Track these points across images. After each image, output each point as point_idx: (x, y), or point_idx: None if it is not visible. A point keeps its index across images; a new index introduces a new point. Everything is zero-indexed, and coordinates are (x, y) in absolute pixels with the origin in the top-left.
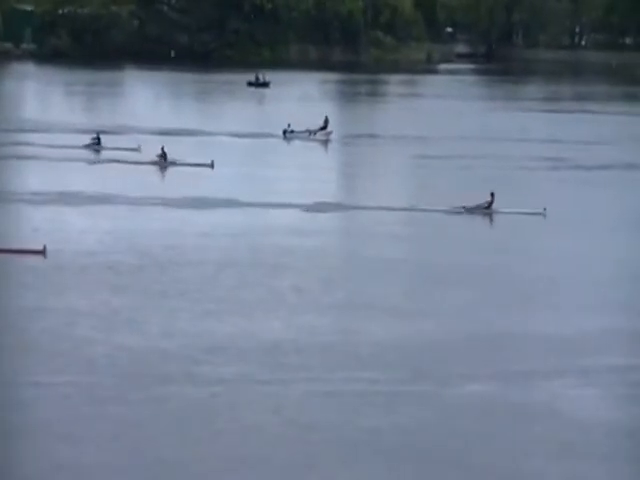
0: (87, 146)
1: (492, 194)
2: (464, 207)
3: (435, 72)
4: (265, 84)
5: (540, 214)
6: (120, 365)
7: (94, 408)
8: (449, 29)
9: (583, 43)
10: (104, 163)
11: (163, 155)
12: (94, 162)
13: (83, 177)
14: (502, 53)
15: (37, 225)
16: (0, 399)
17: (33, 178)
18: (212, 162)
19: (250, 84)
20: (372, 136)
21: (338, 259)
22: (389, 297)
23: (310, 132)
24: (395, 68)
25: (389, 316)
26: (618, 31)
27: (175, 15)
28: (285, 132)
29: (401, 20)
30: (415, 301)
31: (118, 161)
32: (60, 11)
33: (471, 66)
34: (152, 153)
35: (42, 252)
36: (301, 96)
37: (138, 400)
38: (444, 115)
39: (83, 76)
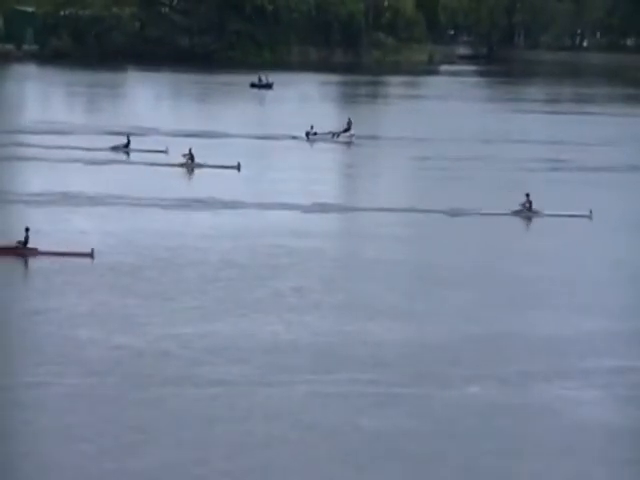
0: (116, 148)
1: (527, 195)
2: (513, 210)
3: (436, 73)
4: (268, 85)
5: (586, 216)
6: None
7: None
8: (451, 31)
9: (584, 44)
10: (133, 165)
11: (191, 157)
12: (124, 164)
13: (115, 179)
14: (503, 54)
15: (76, 227)
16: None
17: (64, 180)
18: (239, 164)
19: (253, 85)
20: (374, 138)
21: (348, 260)
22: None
23: (333, 134)
24: (396, 69)
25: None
26: (619, 33)
27: (176, 17)
28: (308, 134)
29: (402, 21)
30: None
31: (148, 163)
32: (62, 12)
33: (472, 67)
34: (180, 155)
35: (90, 255)
36: (305, 97)
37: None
38: (446, 117)
39: (85, 77)
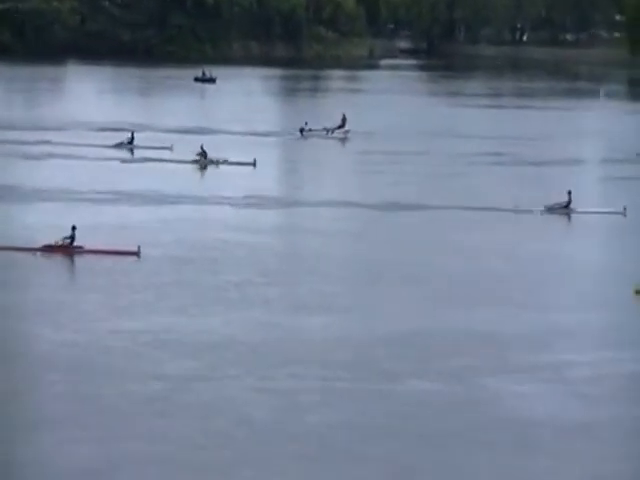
0: (119, 145)
1: (569, 192)
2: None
3: (377, 68)
4: (212, 80)
5: (620, 213)
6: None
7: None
8: (391, 25)
9: (524, 39)
10: (140, 162)
11: (203, 154)
12: (129, 161)
13: (118, 176)
14: (444, 49)
15: (118, 224)
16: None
17: (84, 177)
18: (255, 161)
19: (197, 80)
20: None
21: (288, 255)
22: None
23: (327, 130)
24: (337, 64)
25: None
26: (559, 27)
27: (117, 11)
28: (302, 130)
29: (343, 15)
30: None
31: (156, 160)
32: (1, 6)
33: (413, 62)
34: (185, 152)
35: (136, 253)
36: (248, 91)
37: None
38: (387, 111)
39: (25, 72)
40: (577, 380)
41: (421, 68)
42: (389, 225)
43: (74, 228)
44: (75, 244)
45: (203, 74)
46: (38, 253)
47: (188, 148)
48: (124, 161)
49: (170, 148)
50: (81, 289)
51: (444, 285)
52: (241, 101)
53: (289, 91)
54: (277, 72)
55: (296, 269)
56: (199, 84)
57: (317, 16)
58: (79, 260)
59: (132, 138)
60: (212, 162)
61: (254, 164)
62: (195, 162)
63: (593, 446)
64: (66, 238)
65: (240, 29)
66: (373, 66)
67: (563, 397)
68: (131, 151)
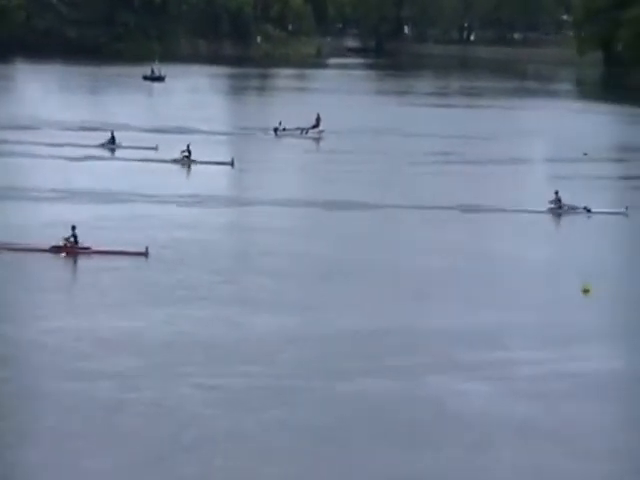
0: (102, 145)
1: (556, 192)
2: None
3: (325, 66)
4: (160, 78)
5: (622, 214)
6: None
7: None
8: (339, 24)
9: (472, 38)
10: (126, 162)
11: (188, 154)
12: (110, 160)
13: (98, 176)
14: (392, 47)
15: (123, 225)
16: None
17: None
18: (232, 160)
19: (146, 78)
20: (266, 130)
21: (240, 254)
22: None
23: (302, 130)
24: (285, 62)
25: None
26: (506, 26)
27: (64, 8)
28: (276, 130)
29: (291, 14)
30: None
31: (138, 160)
32: None
33: (361, 60)
34: (170, 152)
35: (144, 254)
36: (198, 90)
37: None
38: (335, 110)
39: None
40: (524, 378)
41: (369, 67)
42: (340, 223)
43: (74, 228)
44: (83, 245)
45: (152, 72)
46: (46, 254)
47: (167, 148)
48: (103, 159)
49: (155, 148)
50: (83, 289)
51: (395, 283)
52: (192, 100)
53: (239, 90)
54: (226, 70)
55: (247, 267)
56: (148, 82)
57: (265, 14)
58: (86, 261)
59: (113, 138)
60: (194, 162)
61: (232, 164)
62: (178, 162)
63: (538, 443)
64: (68, 238)
65: (188, 27)
66: (321, 65)
67: (509, 395)
68: (112, 151)
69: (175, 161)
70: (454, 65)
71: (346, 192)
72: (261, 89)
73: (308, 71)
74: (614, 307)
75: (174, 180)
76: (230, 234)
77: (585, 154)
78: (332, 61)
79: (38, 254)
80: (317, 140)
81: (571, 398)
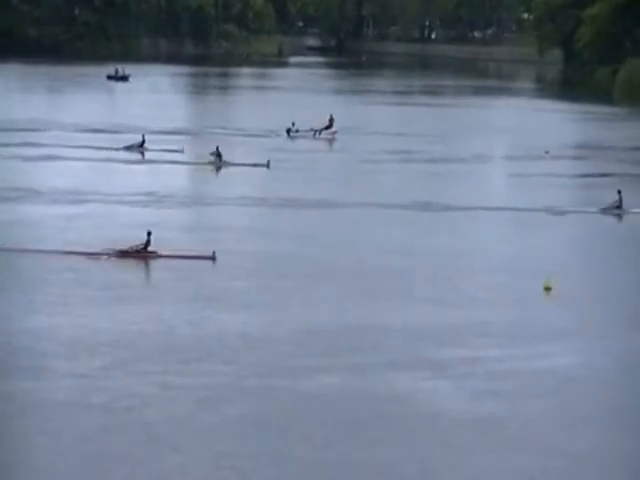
0: (129, 147)
1: (619, 192)
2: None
3: (286, 65)
4: (125, 77)
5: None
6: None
7: None
8: (300, 22)
9: (433, 36)
10: (151, 164)
11: (218, 155)
12: (140, 163)
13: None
14: (353, 46)
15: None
16: None
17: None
18: (268, 162)
19: (110, 77)
20: (224, 128)
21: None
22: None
23: (315, 131)
24: (247, 61)
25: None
26: (467, 25)
27: (24, 7)
28: (289, 131)
29: (252, 13)
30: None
31: (166, 162)
32: None
33: (322, 59)
34: (198, 153)
35: (212, 257)
36: (163, 89)
37: None
38: (296, 109)
39: None
40: (483, 376)
41: (330, 65)
42: (298, 223)
43: (149, 234)
44: (149, 249)
45: (116, 72)
46: (112, 258)
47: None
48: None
49: (181, 151)
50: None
51: (355, 281)
52: (160, 99)
53: (200, 88)
54: (187, 69)
55: (205, 266)
56: (112, 82)
57: (226, 13)
58: (154, 265)
59: (143, 141)
60: (227, 163)
61: (268, 165)
62: (210, 163)
63: (500, 441)
64: (141, 245)
65: (148, 26)
66: (282, 64)
67: (470, 393)
68: (142, 154)
69: (208, 163)
70: (415, 63)
71: (305, 191)
72: (221, 88)
73: (268, 70)
74: (575, 305)
75: (214, 183)
76: (191, 233)
77: (547, 152)
78: (293, 60)
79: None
80: (330, 142)
81: (531, 396)
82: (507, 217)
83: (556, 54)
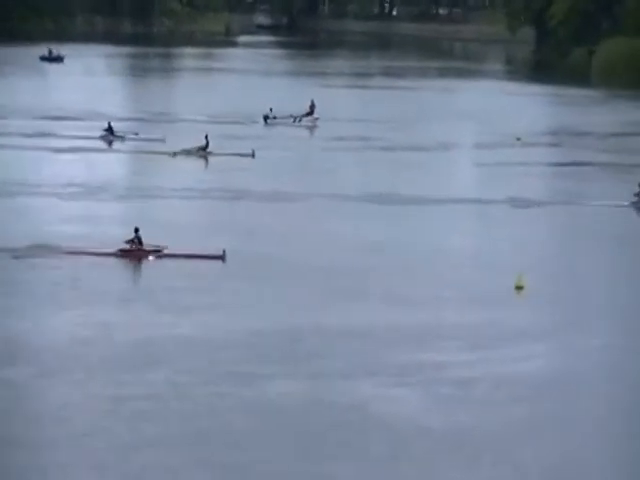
0: (101, 137)
1: None
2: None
3: (234, 45)
4: (59, 58)
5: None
6: None
7: None
8: None
9: (394, 13)
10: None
11: (206, 144)
12: (116, 152)
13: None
14: (307, 24)
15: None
16: None
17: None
18: (253, 152)
19: (43, 59)
20: (167, 115)
21: None
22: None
23: (294, 118)
24: (191, 40)
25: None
26: (431, 1)
27: None
28: (266, 118)
29: None
30: None
31: (145, 152)
32: None
33: (273, 38)
34: (177, 143)
35: (221, 257)
36: (100, 71)
37: None
38: (244, 92)
39: None
40: (449, 382)
41: (282, 45)
42: (245, 216)
43: (137, 230)
44: (155, 246)
45: (50, 52)
46: (114, 257)
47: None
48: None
49: (163, 140)
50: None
51: (311, 280)
52: (99, 82)
53: (140, 70)
54: (127, 50)
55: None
56: (46, 63)
57: None
58: (160, 264)
59: (110, 128)
60: (211, 153)
61: (253, 155)
62: (193, 152)
63: (466, 453)
64: (129, 241)
65: (84, 3)
66: (230, 43)
67: (433, 400)
68: (110, 143)
69: (188, 152)
70: (375, 43)
71: (257, 182)
72: (163, 70)
73: (215, 50)
74: (549, 304)
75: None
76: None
77: (518, 139)
78: (242, 39)
79: (104, 258)
80: (311, 129)
81: (500, 404)
82: (475, 210)
83: (528, 33)
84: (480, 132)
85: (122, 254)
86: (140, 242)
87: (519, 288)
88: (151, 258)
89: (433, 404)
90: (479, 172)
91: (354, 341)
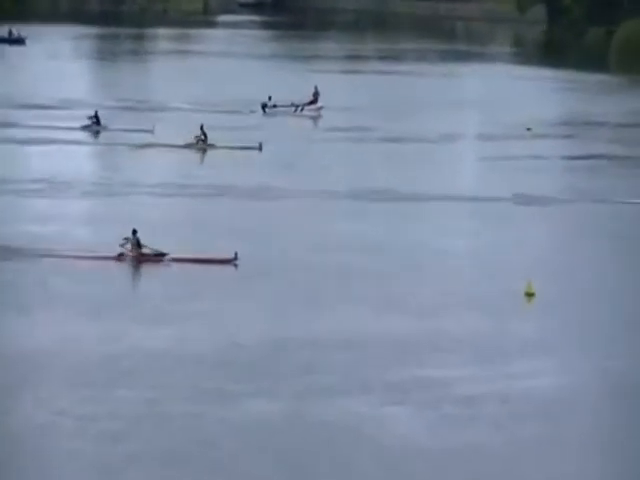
0: (85, 127)
1: None
2: None
3: (214, 25)
4: (20, 40)
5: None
6: None
7: None
8: None
9: None
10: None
11: (204, 136)
12: (96, 144)
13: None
14: (294, 2)
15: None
16: None
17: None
18: (260, 145)
19: (2, 40)
20: (141, 103)
21: None
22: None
23: (296, 107)
24: (165, 20)
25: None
26: None
27: None
28: (265, 107)
29: None
30: None
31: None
32: None
33: (256, 18)
34: (168, 134)
35: (233, 260)
36: (65, 54)
37: None
38: (226, 78)
39: None
40: (449, 401)
41: (267, 26)
42: (233, 215)
43: (135, 232)
44: (160, 251)
45: (10, 33)
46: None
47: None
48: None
49: (152, 130)
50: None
51: (304, 284)
52: (64, 66)
53: (108, 53)
54: (94, 30)
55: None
56: (6, 46)
57: None
58: (167, 270)
59: (97, 118)
60: (211, 145)
61: (260, 148)
62: (191, 146)
63: (463, 474)
64: (125, 244)
65: None
66: (208, 23)
67: (430, 421)
68: (97, 133)
69: (188, 145)
70: (369, 23)
71: (243, 177)
72: (134, 53)
73: (192, 31)
74: (561, 313)
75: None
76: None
77: (528, 129)
78: (222, 19)
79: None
80: (315, 119)
81: (505, 424)
82: (480, 208)
83: (539, 11)
84: (485, 122)
85: (119, 258)
86: (139, 245)
87: (529, 295)
88: (151, 264)
89: (429, 425)
90: (484, 166)
91: (343, 354)
